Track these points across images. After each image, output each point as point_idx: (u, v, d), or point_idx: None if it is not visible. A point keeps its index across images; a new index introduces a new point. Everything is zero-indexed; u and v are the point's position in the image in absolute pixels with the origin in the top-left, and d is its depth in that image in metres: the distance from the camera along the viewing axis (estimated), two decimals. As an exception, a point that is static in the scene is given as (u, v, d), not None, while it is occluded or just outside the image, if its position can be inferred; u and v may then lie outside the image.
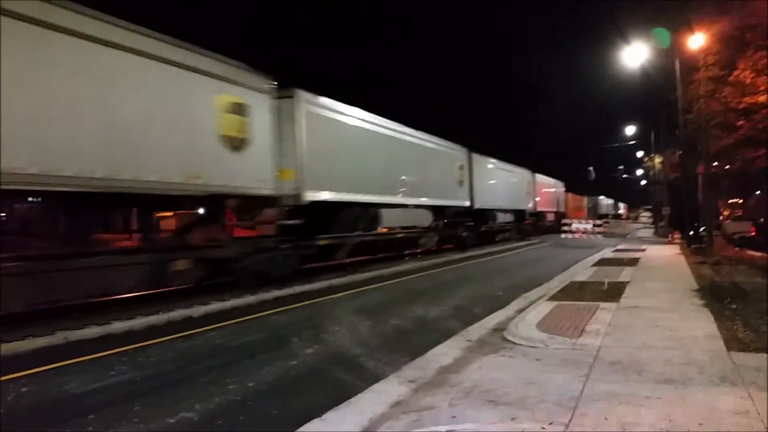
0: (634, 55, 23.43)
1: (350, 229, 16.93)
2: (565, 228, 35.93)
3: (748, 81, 18.78)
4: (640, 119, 49.54)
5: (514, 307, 9.82)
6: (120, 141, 9.55)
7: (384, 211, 18.76)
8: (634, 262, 17.51)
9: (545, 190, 44.08)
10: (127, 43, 9.70)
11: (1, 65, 7.75)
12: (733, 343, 6.45)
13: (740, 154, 24.33)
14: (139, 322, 9.09)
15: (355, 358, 6.95)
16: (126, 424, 4.89)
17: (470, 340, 7.35)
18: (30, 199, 9.92)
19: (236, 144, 11.94)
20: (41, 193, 9.01)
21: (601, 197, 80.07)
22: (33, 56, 8.29)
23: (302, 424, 4.54)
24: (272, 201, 13.35)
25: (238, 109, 12.06)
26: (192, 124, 11.02)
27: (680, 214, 29.18)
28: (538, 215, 41.82)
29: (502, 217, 32.77)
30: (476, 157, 28.13)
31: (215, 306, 10.62)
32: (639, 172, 66.38)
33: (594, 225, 36.99)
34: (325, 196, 15.03)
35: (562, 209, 49.17)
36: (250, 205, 13.17)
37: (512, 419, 4.36)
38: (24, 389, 5.88)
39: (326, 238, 15.74)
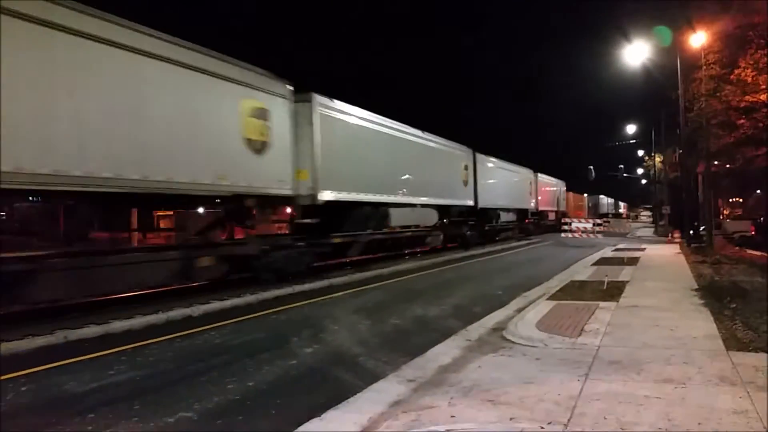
0: (636, 53, 23.46)
1: (362, 227, 17.54)
2: (565, 227, 35.94)
3: (749, 79, 18.76)
4: (640, 118, 49.53)
5: (513, 307, 9.82)
6: (155, 145, 10.15)
7: (393, 211, 19.28)
8: (633, 261, 17.51)
9: (547, 190, 44.17)
10: (165, 53, 10.34)
11: (55, 79, 8.48)
12: (733, 343, 6.46)
13: (741, 152, 24.35)
14: (138, 321, 9.08)
15: (354, 358, 6.95)
16: (125, 423, 4.88)
17: (470, 340, 7.34)
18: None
19: (258, 147, 12.57)
20: (83, 194, 9.48)
21: (602, 196, 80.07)
22: (84, 70, 8.96)
23: (302, 424, 4.54)
24: (290, 201, 14.09)
25: (261, 114, 12.70)
26: (220, 128, 11.67)
27: (680, 213, 29.17)
28: (540, 214, 41.94)
29: (504, 216, 33.13)
30: (480, 157, 28.56)
31: (215, 305, 10.62)
32: (639, 171, 66.43)
33: (594, 224, 37.00)
34: (339, 195, 15.55)
35: (563, 208, 49.22)
36: (270, 204, 13.85)
37: (511, 419, 4.35)
38: (23, 388, 5.88)
39: (339, 236, 16.33)
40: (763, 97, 18.79)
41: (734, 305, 8.64)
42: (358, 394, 5.25)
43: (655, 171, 48.27)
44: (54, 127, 8.46)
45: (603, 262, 17.97)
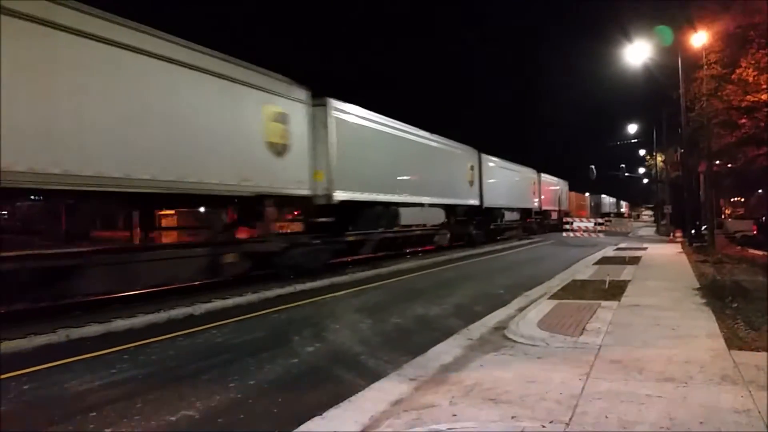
0: (637, 53, 23.42)
1: (374, 226, 18.24)
2: (567, 226, 35.93)
3: (750, 79, 18.73)
4: (642, 118, 49.40)
5: (515, 306, 9.82)
6: (186, 148, 10.85)
7: (403, 210, 19.90)
8: (635, 260, 17.49)
9: (549, 189, 44.26)
10: (193, 62, 11.02)
11: (91, 86, 9.15)
12: (734, 342, 6.45)
13: (742, 152, 24.35)
14: (140, 320, 9.10)
15: (355, 357, 6.96)
16: (127, 421, 4.89)
17: (471, 339, 7.34)
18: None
19: (279, 149, 13.38)
20: (122, 194, 10.08)
21: (604, 196, 80.00)
22: (123, 78, 9.68)
23: (303, 422, 4.54)
24: (308, 200, 14.84)
25: (281, 118, 13.53)
26: (245, 132, 12.42)
27: (682, 213, 29.14)
28: (543, 214, 42.03)
29: (509, 216, 33.55)
30: (485, 157, 29.04)
31: (217, 304, 10.63)
32: (641, 170, 66.24)
33: (595, 223, 36.96)
34: (352, 195, 16.16)
35: (565, 208, 49.25)
36: (288, 203, 14.71)
37: (513, 418, 4.35)
38: (25, 387, 5.90)
39: (353, 234, 17.07)
40: (764, 96, 18.75)
41: (736, 304, 8.62)
42: (359, 393, 5.25)
43: (656, 170, 48.19)
44: (104, 135, 9.32)
45: (604, 261, 17.95)
